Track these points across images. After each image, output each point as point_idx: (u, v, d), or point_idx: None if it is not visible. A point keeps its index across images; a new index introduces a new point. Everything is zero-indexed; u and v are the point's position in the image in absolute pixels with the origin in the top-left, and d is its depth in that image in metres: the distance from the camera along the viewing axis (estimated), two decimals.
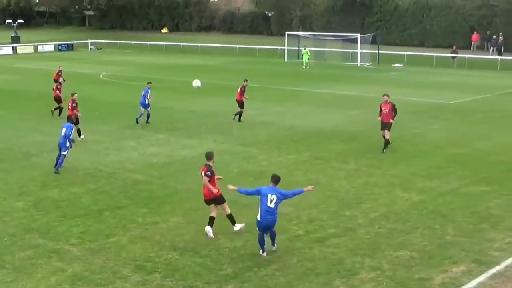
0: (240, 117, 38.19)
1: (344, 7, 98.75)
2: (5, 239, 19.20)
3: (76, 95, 33.58)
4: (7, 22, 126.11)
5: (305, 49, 75.26)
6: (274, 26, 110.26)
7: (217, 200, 19.29)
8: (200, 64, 77.75)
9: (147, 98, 37.28)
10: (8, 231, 19.93)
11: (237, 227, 19.39)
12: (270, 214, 17.25)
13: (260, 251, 17.72)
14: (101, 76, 63.88)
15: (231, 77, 60.66)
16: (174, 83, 56.29)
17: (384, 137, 30.28)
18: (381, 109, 30.46)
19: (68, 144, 27.14)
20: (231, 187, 18.44)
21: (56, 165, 27.06)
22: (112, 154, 30.31)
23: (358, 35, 77.01)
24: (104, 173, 26.72)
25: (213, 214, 19.38)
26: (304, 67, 71.77)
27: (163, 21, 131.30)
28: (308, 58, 72.99)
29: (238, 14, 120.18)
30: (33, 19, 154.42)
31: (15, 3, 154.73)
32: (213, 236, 19.06)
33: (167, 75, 61.12)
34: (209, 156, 19.72)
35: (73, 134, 28.15)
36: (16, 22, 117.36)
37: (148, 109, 37.43)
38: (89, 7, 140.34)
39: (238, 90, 38.27)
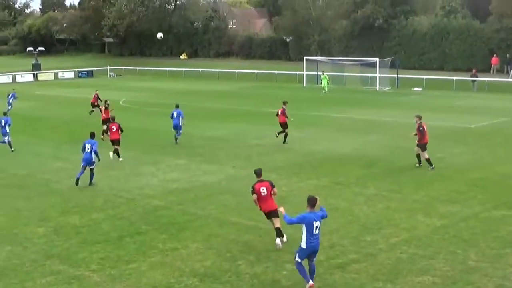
0: (285, 139, 38.76)
1: (362, 31, 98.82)
2: (26, 265, 19.24)
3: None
4: (28, 50, 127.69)
5: (323, 74, 75.67)
6: (293, 51, 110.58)
7: (276, 212, 19.98)
8: (219, 90, 78.04)
9: (181, 120, 39.54)
10: (29, 257, 19.98)
11: (279, 240, 20.06)
12: (315, 239, 16.94)
13: (307, 284, 16.94)
14: (121, 102, 64.14)
15: (250, 102, 60.81)
16: (193, 109, 56.37)
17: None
18: None
19: (95, 159, 29.15)
20: (282, 209, 17.97)
21: (77, 179, 29.20)
22: (131, 180, 30.37)
23: (377, 59, 77.01)
24: (124, 199, 26.76)
25: (277, 224, 20.24)
26: (323, 91, 71.90)
27: (182, 47, 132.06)
28: (327, 83, 73.33)
29: (257, 39, 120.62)
30: (53, 47, 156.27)
31: (36, 30, 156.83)
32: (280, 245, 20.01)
33: (187, 100, 61.13)
34: (260, 172, 20.85)
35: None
36: (37, 50, 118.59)
37: (180, 131, 39.57)
38: (108, 34, 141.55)
39: (279, 113, 38.75)
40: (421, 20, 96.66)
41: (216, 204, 25.50)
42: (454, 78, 75.50)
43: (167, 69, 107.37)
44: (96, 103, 53.62)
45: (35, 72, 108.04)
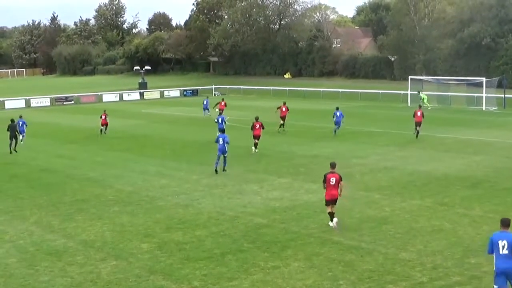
0: (417, 135, 48.27)
1: (468, 51, 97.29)
2: (130, 280, 19.62)
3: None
4: (135, 69, 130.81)
5: (419, 93, 77.26)
6: (397, 70, 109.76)
7: (336, 201, 24.45)
8: (323, 109, 77.88)
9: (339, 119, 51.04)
10: (133, 272, 20.36)
11: (331, 223, 24.39)
12: (504, 259, 15.95)
13: None
14: (225, 120, 64.79)
15: (353, 122, 60.52)
16: (296, 128, 56.66)
17: None
18: None
19: (227, 148, 36.07)
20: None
21: (218, 166, 36.02)
22: (235, 198, 30.60)
23: (483, 79, 75.57)
24: (227, 217, 26.98)
25: (332, 210, 24.51)
26: (429, 108, 72.40)
27: (286, 67, 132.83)
28: (424, 101, 74.22)
29: (361, 58, 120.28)
30: (159, 66, 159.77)
31: (143, 50, 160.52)
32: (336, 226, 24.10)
33: (290, 119, 61.37)
34: (334, 165, 24.96)
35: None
36: (144, 69, 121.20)
37: (339, 128, 51.09)
38: (213, 53, 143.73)
39: (419, 114, 48.19)
40: None
41: (318, 223, 25.46)
42: None
43: (271, 88, 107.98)
44: (221, 109, 61.62)
45: (141, 90, 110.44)
